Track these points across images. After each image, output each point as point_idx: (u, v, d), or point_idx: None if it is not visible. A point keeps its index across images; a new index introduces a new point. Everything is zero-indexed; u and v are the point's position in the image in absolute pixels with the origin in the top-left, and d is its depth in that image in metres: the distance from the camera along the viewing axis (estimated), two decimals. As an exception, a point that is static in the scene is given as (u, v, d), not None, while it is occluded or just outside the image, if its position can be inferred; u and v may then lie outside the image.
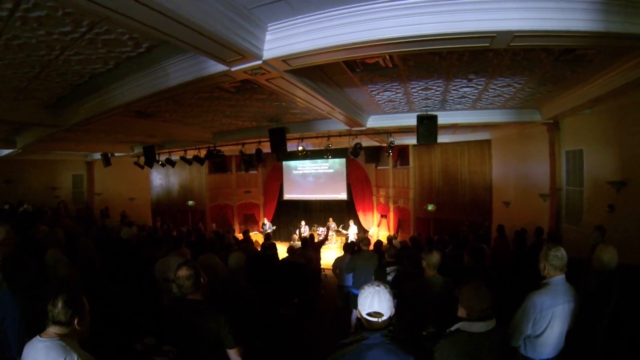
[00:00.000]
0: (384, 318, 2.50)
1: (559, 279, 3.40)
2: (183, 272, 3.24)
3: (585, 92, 7.17)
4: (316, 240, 12.44)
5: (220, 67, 4.74)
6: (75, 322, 2.63)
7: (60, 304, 2.58)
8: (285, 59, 4.43)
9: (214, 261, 5.97)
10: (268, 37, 4.29)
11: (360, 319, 2.62)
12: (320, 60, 4.54)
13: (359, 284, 7.00)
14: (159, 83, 5.56)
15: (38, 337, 2.57)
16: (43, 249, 5.37)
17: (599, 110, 8.22)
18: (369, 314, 2.51)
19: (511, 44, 3.98)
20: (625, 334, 4.08)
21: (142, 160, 13.99)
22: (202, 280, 3.33)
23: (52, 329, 2.58)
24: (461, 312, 2.95)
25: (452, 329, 2.93)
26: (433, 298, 4.33)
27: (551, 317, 3.29)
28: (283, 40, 4.22)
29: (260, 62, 4.39)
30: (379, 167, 19.06)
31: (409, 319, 4.42)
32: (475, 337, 2.79)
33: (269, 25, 4.21)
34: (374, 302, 2.51)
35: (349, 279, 7.75)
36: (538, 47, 4.71)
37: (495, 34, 3.73)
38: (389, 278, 6.22)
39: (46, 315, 2.62)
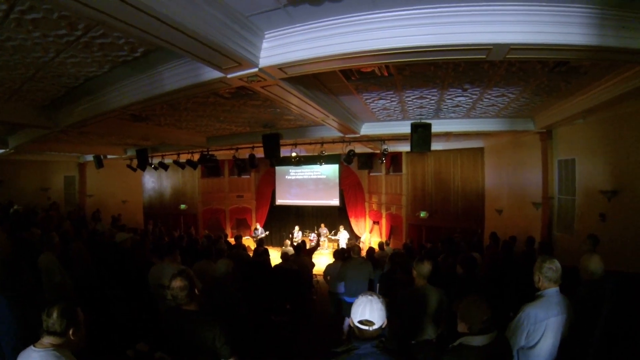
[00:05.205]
0: (375, 327, 2.56)
1: (553, 290, 3.42)
2: (177, 283, 3.23)
3: (579, 102, 7.25)
4: (308, 246, 12.42)
5: (216, 74, 4.72)
6: (70, 332, 2.60)
7: (55, 314, 2.55)
8: (281, 67, 4.43)
9: (211, 268, 5.95)
10: (265, 44, 4.28)
11: (352, 327, 2.67)
12: (316, 68, 4.54)
13: (351, 292, 7.00)
14: (154, 88, 5.54)
15: (32, 347, 2.54)
16: (37, 253, 5.33)
17: (592, 121, 8.29)
18: (360, 322, 2.57)
19: (507, 56, 4.01)
20: (620, 341, 4.10)
21: (134, 163, 13.93)
22: (196, 290, 3.32)
23: (47, 339, 2.55)
24: (462, 327, 2.95)
25: (455, 344, 2.94)
26: (423, 308, 4.33)
27: (545, 328, 3.31)
28: (280, 48, 4.21)
29: (256, 69, 4.39)
30: (371, 174, 19.08)
31: (396, 328, 4.42)
32: (478, 351, 2.79)
33: (266, 33, 4.20)
34: (366, 311, 2.58)
35: (341, 286, 7.74)
36: (534, 59, 4.75)
37: (492, 47, 3.76)
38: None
39: (40, 323, 2.58)
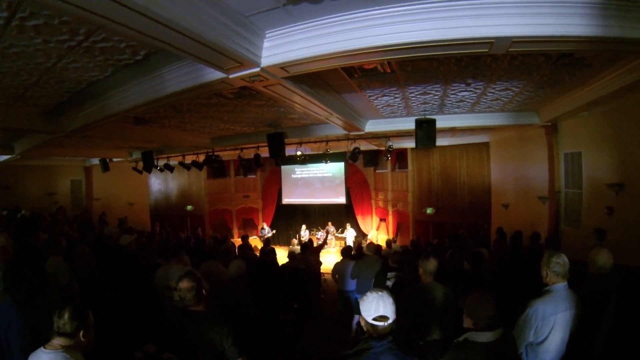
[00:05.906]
0: (390, 321, 2.55)
1: (560, 285, 3.39)
2: (185, 284, 3.23)
3: (583, 95, 7.16)
4: (315, 244, 12.41)
5: (218, 75, 4.71)
6: (81, 334, 2.62)
7: (66, 316, 2.57)
8: (283, 66, 4.41)
9: (217, 268, 5.95)
10: (266, 44, 4.27)
11: (364, 326, 2.65)
12: (317, 67, 4.53)
13: (364, 290, 6.99)
14: (156, 90, 5.53)
15: (42, 348, 2.56)
16: (43, 257, 5.35)
17: (597, 113, 8.20)
18: (374, 319, 2.55)
19: (509, 49, 3.98)
20: (627, 335, 4.07)
21: (140, 165, 13.98)
22: (204, 291, 3.32)
23: (57, 341, 2.57)
24: (467, 323, 2.93)
25: (460, 339, 2.92)
26: (429, 305, 4.31)
27: (553, 324, 3.28)
28: (281, 47, 4.20)
29: (258, 69, 4.38)
30: (377, 171, 19.00)
31: (404, 326, 4.41)
32: (484, 347, 2.77)
33: (266, 32, 4.19)
34: (380, 307, 2.56)
35: (350, 284, 7.72)
36: (536, 52, 4.71)
37: (493, 40, 3.72)
38: (389, 283, 6.18)
39: (48, 324, 2.60)
